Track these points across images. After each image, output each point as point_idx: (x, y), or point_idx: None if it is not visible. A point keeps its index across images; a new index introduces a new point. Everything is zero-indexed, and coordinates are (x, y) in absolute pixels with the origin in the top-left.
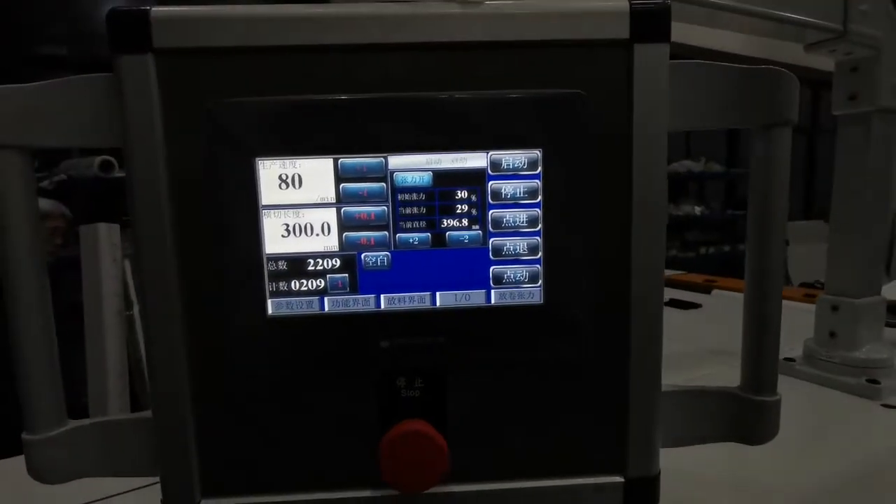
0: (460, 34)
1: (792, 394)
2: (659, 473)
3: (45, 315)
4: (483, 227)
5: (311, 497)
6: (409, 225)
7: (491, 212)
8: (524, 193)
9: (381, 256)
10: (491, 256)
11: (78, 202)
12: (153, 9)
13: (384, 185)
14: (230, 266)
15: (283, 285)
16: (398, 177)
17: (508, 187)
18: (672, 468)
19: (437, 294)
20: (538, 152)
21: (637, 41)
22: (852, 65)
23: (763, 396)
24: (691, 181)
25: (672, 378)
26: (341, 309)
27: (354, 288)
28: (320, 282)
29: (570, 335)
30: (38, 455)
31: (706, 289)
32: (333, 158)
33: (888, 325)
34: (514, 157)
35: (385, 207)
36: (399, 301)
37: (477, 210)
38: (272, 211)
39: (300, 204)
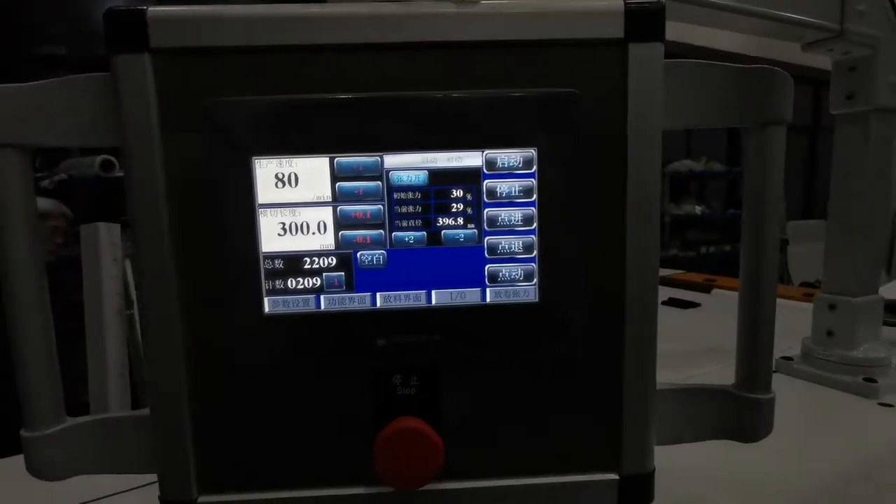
0: (456, 34)
1: (789, 392)
2: (654, 471)
3: (43, 313)
4: (478, 225)
5: (306, 494)
6: (404, 223)
7: (486, 210)
8: (519, 192)
9: (377, 255)
10: (486, 255)
11: (78, 201)
12: (150, 8)
13: (380, 183)
14: (227, 264)
15: (279, 284)
16: (394, 176)
17: (503, 186)
18: (667, 466)
19: (433, 292)
20: (533, 151)
21: (631, 40)
22: (850, 64)
23: (757, 394)
24: (692, 180)
25: (669, 376)
26: (337, 307)
27: (350, 286)
28: (316, 280)
29: (564, 333)
30: (36, 452)
31: (706, 288)
32: (329, 157)
33: (886, 323)
34: (509, 156)
35: (381, 206)
36: (395, 299)
37: (472, 209)
38: (269, 210)
39: (296, 203)
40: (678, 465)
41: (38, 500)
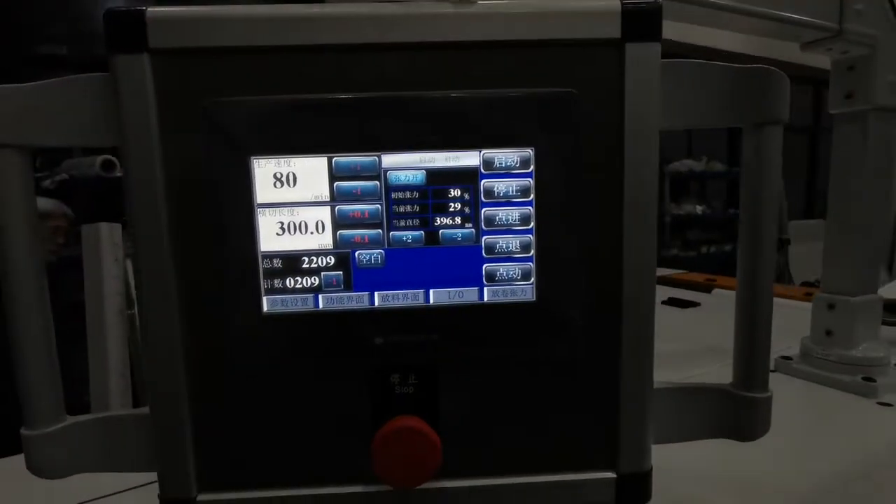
0: (454, 34)
1: (788, 391)
2: (651, 469)
3: (43, 313)
4: (476, 225)
5: (305, 492)
6: (402, 223)
7: (483, 210)
8: (516, 192)
9: (375, 254)
10: (484, 254)
11: (79, 201)
12: (149, 9)
13: (378, 183)
14: (226, 264)
15: (277, 283)
16: (392, 175)
17: (501, 186)
18: (665, 464)
19: (431, 291)
20: (530, 151)
21: (628, 40)
22: (848, 63)
23: (754, 393)
24: (693, 180)
25: (669, 376)
26: (335, 306)
27: (348, 285)
28: (315, 279)
29: (561, 332)
30: (36, 450)
31: (707, 288)
32: (328, 157)
33: (884, 323)
34: (506, 156)
35: (379, 206)
36: (393, 298)
37: (470, 208)
38: (267, 209)
39: (295, 202)
40: (676, 463)
41: (39, 499)
